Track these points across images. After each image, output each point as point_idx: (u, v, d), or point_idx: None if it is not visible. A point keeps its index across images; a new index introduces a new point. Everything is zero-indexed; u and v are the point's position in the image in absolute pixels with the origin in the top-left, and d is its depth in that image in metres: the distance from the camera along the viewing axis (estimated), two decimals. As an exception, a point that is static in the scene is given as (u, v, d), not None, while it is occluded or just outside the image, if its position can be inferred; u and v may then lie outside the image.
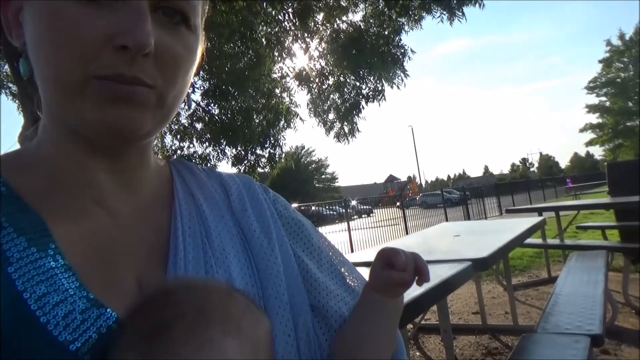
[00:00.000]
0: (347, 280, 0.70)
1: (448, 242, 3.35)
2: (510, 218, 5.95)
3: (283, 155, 8.22)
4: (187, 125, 7.87)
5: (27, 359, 0.41)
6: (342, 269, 0.71)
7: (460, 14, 6.83)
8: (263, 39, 7.18)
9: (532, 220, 3.98)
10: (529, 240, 5.26)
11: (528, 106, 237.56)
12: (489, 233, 3.52)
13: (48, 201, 0.51)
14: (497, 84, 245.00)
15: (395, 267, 0.58)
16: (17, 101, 6.99)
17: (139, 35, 0.46)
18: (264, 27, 7.08)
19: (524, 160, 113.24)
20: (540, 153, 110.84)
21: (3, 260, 0.44)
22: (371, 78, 7.59)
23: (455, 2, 6.81)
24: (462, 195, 17.73)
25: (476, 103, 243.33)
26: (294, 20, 7.13)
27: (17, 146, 0.62)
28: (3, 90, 7.37)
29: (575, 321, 2.44)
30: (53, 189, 0.53)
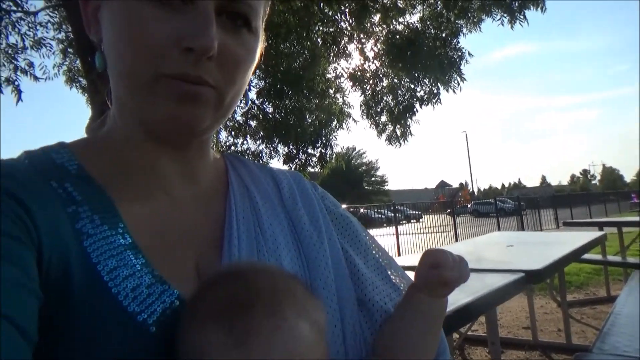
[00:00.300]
0: (393, 278, 0.71)
1: (500, 252, 3.24)
2: (567, 231, 5.67)
3: (334, 155, 8.24)
4: (241, 122, 8.05)
5: (99, 325, 0.45)
6: (388, 267, 0.72)
7: (521, 17, 6.59)
8: (319, 39, 7.22)
9: (592, 234, 3.78)
10: (587, 256, 4.99)
11: (592, 115, 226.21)
12: (544, 245, 3.38)
13: (116, 184, 0.56)
14: (559, 91, 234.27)
15: (443, 266, 0.58)
16: (85, 94, 7.41)
17: (204, 39, 0.49)
18: (320, 27, 7.12)
19: (585, 172, 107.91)
20: (603, 165, 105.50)
21: (81, 234, 0.48)
22: (426, 81, 7.46)
23: (516, 4, 6.57)
24: (517, 205, 17.10)
25: (535, 110, 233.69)
26: (350, 21, 7.12)
27: (84, 136, 0.66)
28: (74, 84, 7.84)
29: (635, 343, 2.29)
30: (120, 173, 0.57)
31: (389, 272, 0.71)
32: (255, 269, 0.50)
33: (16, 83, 6.44)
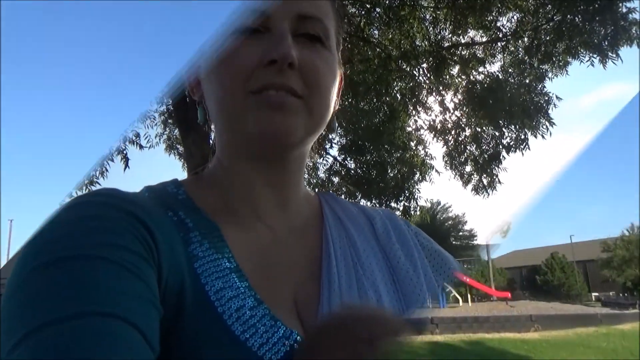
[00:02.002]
0: None
1: None
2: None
3: (418, 208, 8.08)
4: (324, 179, 8.23)
5: (204, 342, 0.48)
6: None
7: (614, 55, 6.25)
8: (397, 94, 7.33)
9: None
10: None
11: None
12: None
13: (220, 214, 0.61)
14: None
15: None
16: (182, 160, 8.06)
17: (282, 48, 0.55)
18: (398, 82, 7.24)
19: None
20: None
21: (192, 257, 0.53)
22: (512, 127, 7.22)
23: (606, 43, 6.27)
24: None
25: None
26: (429, 75, 7.19)
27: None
28: (172, 151, 8.58)
29: None
30: (223, 203, 0.63)
31: None
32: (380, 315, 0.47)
33: (125, 152, 7.18)
